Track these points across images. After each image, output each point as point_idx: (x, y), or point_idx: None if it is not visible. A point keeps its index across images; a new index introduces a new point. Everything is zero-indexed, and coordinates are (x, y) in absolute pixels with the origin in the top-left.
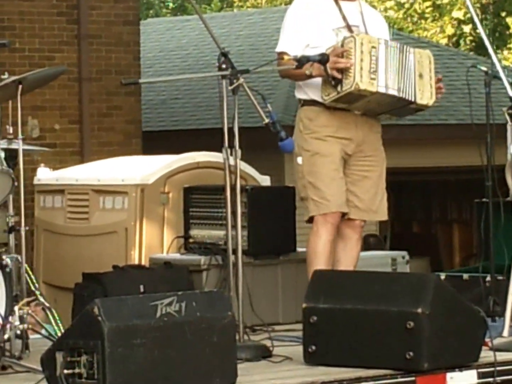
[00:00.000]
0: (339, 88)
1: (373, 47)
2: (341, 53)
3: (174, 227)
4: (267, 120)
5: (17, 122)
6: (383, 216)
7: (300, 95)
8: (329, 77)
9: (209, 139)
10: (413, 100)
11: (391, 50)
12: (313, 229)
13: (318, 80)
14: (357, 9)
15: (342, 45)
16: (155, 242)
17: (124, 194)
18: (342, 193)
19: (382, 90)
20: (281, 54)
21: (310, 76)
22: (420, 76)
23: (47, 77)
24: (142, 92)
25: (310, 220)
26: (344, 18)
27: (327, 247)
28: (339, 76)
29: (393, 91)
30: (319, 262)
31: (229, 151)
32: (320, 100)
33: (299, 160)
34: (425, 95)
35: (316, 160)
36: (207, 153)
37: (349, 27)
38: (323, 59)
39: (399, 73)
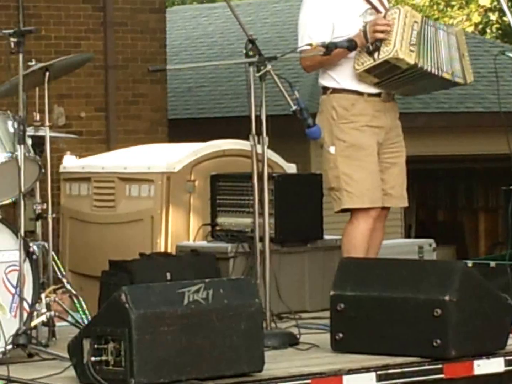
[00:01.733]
0: (375, 55)
1: (415, 21)
2: (385, 24)
3: (200, 215)
4: (294, 107)
5: (43, 110)
6: (406, 202)
7: (328, 83)
8: (369, 45)
9: (235, 127)
10: (461, 81)
11: (436, 31)
12: (352, 222)
13: (349, 68)
14: None
15: (384, 17)
16: (181, 230)
17: (150, 182)
18: (378, 188)
19: (425, 66)
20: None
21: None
22: (463, 56)
23: (74, 64)
24: (168, 80)
25: (341, 211)
26: (367, 1)
27: (366, 242)
28: (380, 36)
29: (435, 70)
30: (357, 255)
31: (256, 138)
32: (352, 88)
33: (332, 149)
34: (470, 74)
35: (354, 152)
36: (233, 140)
37: (374, 8)
38: (351, 45)
39: (441, 53)
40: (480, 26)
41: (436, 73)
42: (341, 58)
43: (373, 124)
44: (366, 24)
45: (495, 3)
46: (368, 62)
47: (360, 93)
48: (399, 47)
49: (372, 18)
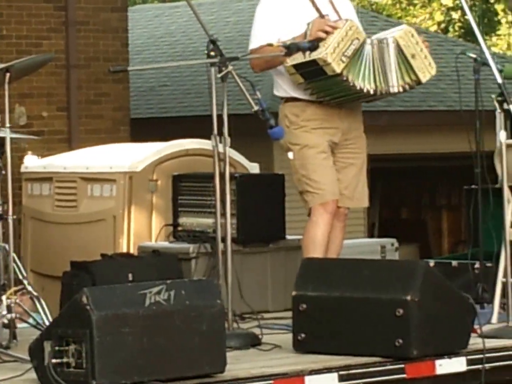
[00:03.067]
0: (307, 53)
1: (357, 38)
2: (330, 26)
3: (163, 215)
4: (256, 108)
5: (4, 110)
6: (366, 202)
7: (280, 93)
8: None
9: (198, 126)
10: (410, 86)
11: (377, 49)
12: (311, 219)
13: None
14: None
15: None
16: (143, 230)
17: (112, 181)
18: (335, 181)
19: (353, 82)
20: (259, 49)
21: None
22: (413, 56)
23: (35, 65)
24: (130, 79)
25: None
26: (317, 9)
27: (325, 237)
28: (321, 35)
29: (368, 88)
30: (317, 251)
31: (218, 138)
32: (302, 96)
33: (290, 155)
34: (426, 71)
35: (306, 152)
36: (196, 140)
37: (323, 18)
38: (312, 46)
39: (382, 69)
40: (443, 25)
41: (362, 87)
42: (281, 61)
43: (324, 126)
44: (309, 23)
45: (458, 2)
46: (298, 58)
47: (310, 101)
48: (330, 52)
49: None
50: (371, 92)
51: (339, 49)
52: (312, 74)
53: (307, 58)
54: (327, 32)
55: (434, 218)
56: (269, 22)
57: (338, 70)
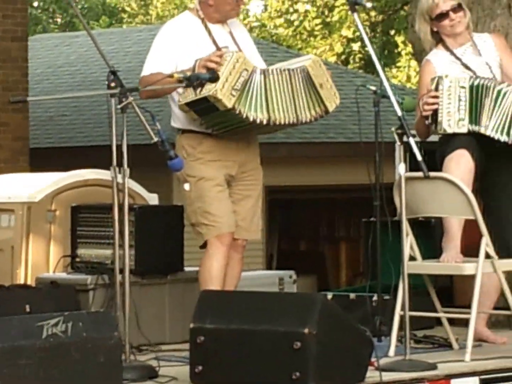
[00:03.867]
0: (198, 91)
1: (245, 69)
2: (219, 56)
3: (61, 246)
4: (156, 139)
5: None
6: (259, 234)
7: (177, 124)
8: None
9: (97, 156)
10: (295, 122)
11: (274, 78)
12: (208, 251)
13: None
14: (226, 29)
15: (220, 56)
16: (41, 260)
17: (10, 212)
18: (231, 214)
19: (246, 114)
20: (151, 76)
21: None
22: (321, 86)
23: None
24: (30, 109)
25: (205, 245)
26: (214, 41)
27: (222, 270)
28: (204, 71)
29: (261, 118)
30: (214, 284)
31: (117, 169)
32: (198, 129)
33: (186, 186)
34: (332, 100)
35: (202, 184)
36: (96, 170)
37: (219, 49)
38: (213, 77)
39: (275, 98)
40: (343, 56)
41: (254, 118)
42: (173, 90)
43: (221, 158)
44: (197, 60)
45: (358, 33)
46: (190, 96)
47: (207, 133)
48: (220, 87)
49: None
50: (264, 122)
51: (228, 84)
52: (205, 110)
53: (198, 96)
54: (211, 68)
55: (332, 250)
56: (164, 51)
57: (229, 105)
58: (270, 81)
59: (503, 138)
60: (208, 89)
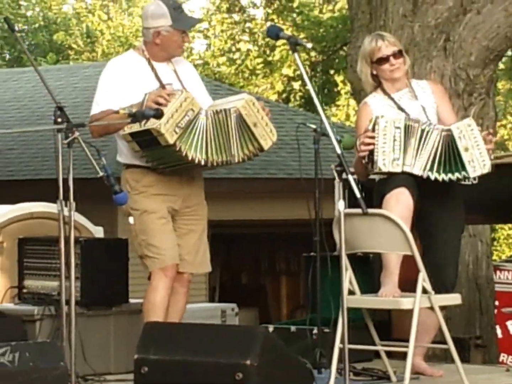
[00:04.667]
0: (143, 123)
1: (192, 109)
2: (168, 94)
3: (8, 277)
4: (101, 173)
5: None
6: (208, 267)
7: (122, 159)
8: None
9: (44, 189)
10: (228, 161)
11: (213, 119)
12: (151, 283)
13: None
14: (170, 67)
15: (169, 95)
16: None
17: None
18: (175, 246)
19: (186, 153)
20: (100, 113)
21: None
22: (255, 125)
23: None
24: None
25: (150, 277)
26: (158, 79)
27: (165, 301)
28: (155, 106)
29: (200, 159)
30: (157, 315)
31: (63, 202)
32: (142, 164)
33: (131, 220)
34: (268, 138)
35: (145, 217)
36: (42, 203)
37: (163, 87)
38: (157, 113)
39: (216, 140)
40: (284, 95)
41: (194, 158)
42: (122, 126)
43: (164, 193)
44: (146, 94)
45: (298, 72)
46: (135, 126)
47: (150, 168)
48: (164, 122)
49: None
50: (202, 162)
51: (173, 120)
52: (147, 143)
53: (142, 127)
54: (160, 104)
55: (273, 284)
56: (111, 88)
57: (171, 141)
58: (209, 123)
59: (433, 176)
60: (153, 122)
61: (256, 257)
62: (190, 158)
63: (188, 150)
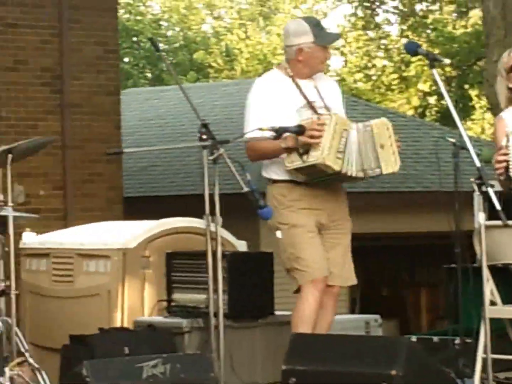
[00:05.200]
0: (304, 158)
1: (345, 129)
2: (320, 124)
3: (155, 290)
4: (246, 189)
5: (6, 189)
6: (354, 280)
7: (268, 174)
8: (299, 146)
9: (187, 204)
10: (378, 174)
11: (362, 134)
12: (301, 296)
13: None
14: (312, 84)
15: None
16: (136, 304)
17: (106, 258)
18: (324, 259)
19: (349, 172)
20: (257, 143)
21: (285, 150)
22: (382, 146)
23: (36, 147)
24: (123, 160)
25: (299, 290)
26: (304, 96)
27: (314, 314)
28: (312, 141)
29: (360, 174)
30: (305, 328)
31: (210, 218)
32: (288, 178)
33: (279, 234)
34: (390, 164)
35: (294, 231)
36: (185, 218)
37: (310, 105)
38: (299, 130)
39: (364, 153)
40: (420, 109)
41: (355, 175)
42: (280, 154)
43: (311, 207)
44: (298, 111)
45: (434, 87)
46: (297, 162)
47: (297, 182)
48: (326, 154)
49: (307, 114)
50: (361, 175)
51: (333, 148)
52: (314, 175)
53: (306, 163)
54: (315, 136)
55: (413, 295)
56: (261, 108)
57: (338, 169)
58: (360, 137)
59: None
60: (315, 156)
61: (396, 269)
62: (349, 174)
63: (348, 168)
